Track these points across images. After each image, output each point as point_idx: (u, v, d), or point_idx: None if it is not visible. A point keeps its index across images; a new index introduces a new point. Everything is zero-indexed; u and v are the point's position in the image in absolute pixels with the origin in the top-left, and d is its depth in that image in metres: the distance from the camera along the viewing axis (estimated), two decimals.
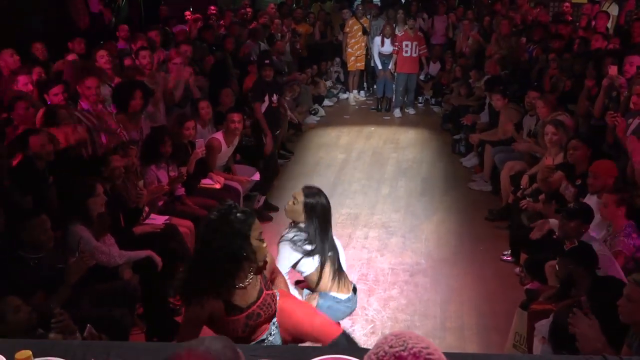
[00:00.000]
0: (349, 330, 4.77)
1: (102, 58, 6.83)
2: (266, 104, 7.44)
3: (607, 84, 6.11)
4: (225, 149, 6.57)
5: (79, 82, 5.65)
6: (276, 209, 7.00)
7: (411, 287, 5.50)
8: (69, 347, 2.62)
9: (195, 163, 6.09)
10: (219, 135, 6.52)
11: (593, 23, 9.72)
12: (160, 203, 5.69)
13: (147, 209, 5.34)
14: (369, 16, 12.38)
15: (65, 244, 4.30)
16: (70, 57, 7.40)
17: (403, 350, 1.42)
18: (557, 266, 4.00)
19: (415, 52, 11.27)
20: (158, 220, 5.40)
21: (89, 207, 4.42)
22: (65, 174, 4.82)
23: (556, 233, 5.04)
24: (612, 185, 4.72)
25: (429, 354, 1.42)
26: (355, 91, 12.79)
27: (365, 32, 12.11)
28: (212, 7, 12.29)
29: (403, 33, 11.28)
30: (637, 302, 2.99)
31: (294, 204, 3.93)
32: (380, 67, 11.63)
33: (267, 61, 7.45)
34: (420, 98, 12.31)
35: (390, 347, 1.44)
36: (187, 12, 11.23)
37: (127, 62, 7.41)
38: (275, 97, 7.52)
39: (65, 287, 3.88)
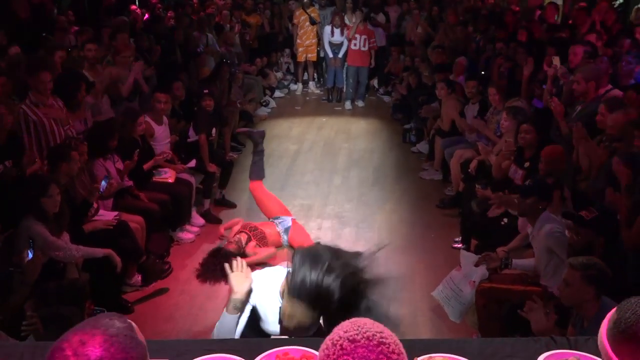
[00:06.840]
0: None
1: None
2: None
3: (553, 74, 6.28)
4: (158, 127, 6.45)
5: (33, 76, 5.43)
6: (233, 206, 7.01)
7: None
8: (15, 348, 2.53)
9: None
10: (147, 119, 6.34)
11: (538, 13, 9.91)
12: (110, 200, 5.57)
13: (95, 204, 5.20)
14: (316, 5, 12.36)
15: (15, 244, 4.17)
16: (13, 50, 7.14)
17: (357, 334, 1.46)
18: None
19: (364, 46, 11.19)
20: (108, 216, 5.26)
21: (43, 205, 4.31)
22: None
23: (505, 220, 5.17)
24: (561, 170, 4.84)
25: (382, 337, 1.46)
26: (312, 82, 12.76)
27: (312, 22, 12.04)
28: None
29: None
30: (574, 285, 3.09)
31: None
32: (330, 55, 11.57)
33: (205, 90, 7.16)
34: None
35: (345, 332, 1.48)
36: (133, 6, 11.00)
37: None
38: (214, 132, 7.15)
39: (24, 287, 3.76)
